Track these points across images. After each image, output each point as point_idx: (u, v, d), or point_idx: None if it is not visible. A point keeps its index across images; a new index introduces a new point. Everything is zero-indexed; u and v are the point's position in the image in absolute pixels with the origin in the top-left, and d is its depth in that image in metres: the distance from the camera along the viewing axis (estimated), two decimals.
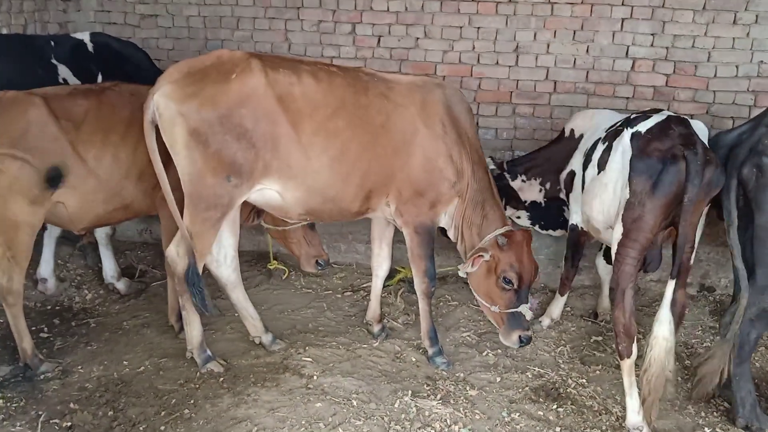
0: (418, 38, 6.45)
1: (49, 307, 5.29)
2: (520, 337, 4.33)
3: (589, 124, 4.95)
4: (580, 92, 6.20)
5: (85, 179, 4.22)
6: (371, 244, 5.02)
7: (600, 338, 5.08)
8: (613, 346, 4.57)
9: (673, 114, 4.16)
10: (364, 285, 5.81)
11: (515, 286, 4.29)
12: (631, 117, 4.24)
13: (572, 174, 4.89)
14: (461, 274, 4.54)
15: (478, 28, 6.26)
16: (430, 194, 4.42)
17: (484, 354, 4.85)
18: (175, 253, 4.13)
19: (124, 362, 4.48)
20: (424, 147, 4.33)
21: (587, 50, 6.15)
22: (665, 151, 3.76)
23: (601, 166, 4.20)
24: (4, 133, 3.96)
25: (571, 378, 4.55)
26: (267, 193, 4.14)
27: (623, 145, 3.99)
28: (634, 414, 3.89)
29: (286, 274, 5.87)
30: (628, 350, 3.87)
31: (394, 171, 4.32)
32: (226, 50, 4.07)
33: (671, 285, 3.78)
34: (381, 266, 4.99)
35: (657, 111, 4.24)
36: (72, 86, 4.73)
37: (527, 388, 4.40)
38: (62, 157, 4.10)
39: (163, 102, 3.78)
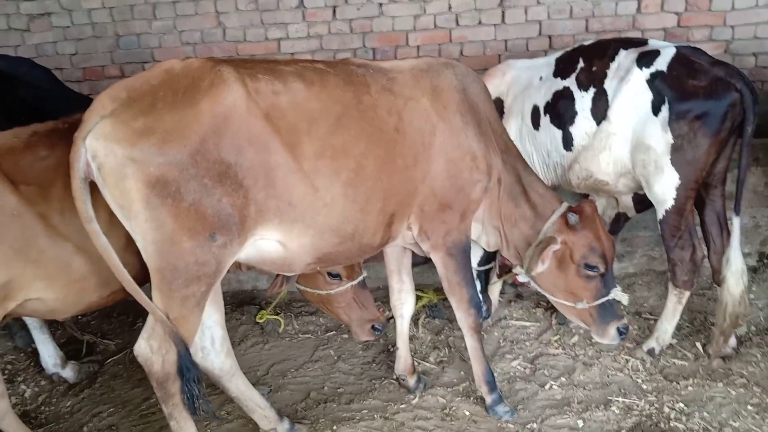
0: (381, 3, 5.40)
1: None
2: (618, 329, 3.54)
3: (502, 83, 4.45)
4: None
5: (68, 263, 2.98)
6: (388, 278, 3.96)
7: (674, 340, 4.21)
8: (692, 342, 4.23)
9: (673, 44, 3.84)
10: None
11: (601, 270, 3.46)
12: (631, 53, 3.82)
13: None
14: (521, 279, 3.71)
15: None
16: (460, 204, 3.49)
17: (547, 387, 3.92)
18: (147, 348, 2.94)
19: None
20: (446, 147, 3.39)
21: None
22: (708, 86, 3.55)
23: (599, 116, 3.90)
24: None
25: (665, 405, 3.67)
26: (264, 245, 3.01)
27: (635, 87, 3.71)
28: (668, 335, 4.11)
29: (282, 326, 4.73)
30: (691, 282, 3.89)
31: (416, 184, 3.35)
32: (174, 60, 2.84)
33: (737, 221, 3.68)
34: (405, 304, 3.97)
35: (619, 41, 4.00)
36: (28, 130, 3.13)
37: None
38: (28, 239, 2.87)
39: (102, 147, 2.57)
